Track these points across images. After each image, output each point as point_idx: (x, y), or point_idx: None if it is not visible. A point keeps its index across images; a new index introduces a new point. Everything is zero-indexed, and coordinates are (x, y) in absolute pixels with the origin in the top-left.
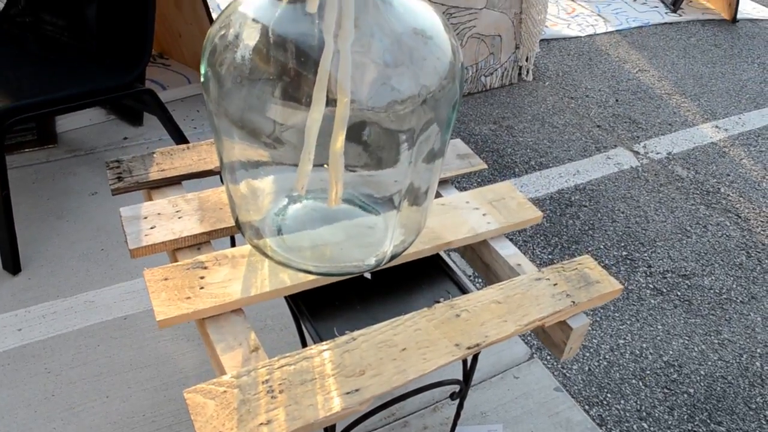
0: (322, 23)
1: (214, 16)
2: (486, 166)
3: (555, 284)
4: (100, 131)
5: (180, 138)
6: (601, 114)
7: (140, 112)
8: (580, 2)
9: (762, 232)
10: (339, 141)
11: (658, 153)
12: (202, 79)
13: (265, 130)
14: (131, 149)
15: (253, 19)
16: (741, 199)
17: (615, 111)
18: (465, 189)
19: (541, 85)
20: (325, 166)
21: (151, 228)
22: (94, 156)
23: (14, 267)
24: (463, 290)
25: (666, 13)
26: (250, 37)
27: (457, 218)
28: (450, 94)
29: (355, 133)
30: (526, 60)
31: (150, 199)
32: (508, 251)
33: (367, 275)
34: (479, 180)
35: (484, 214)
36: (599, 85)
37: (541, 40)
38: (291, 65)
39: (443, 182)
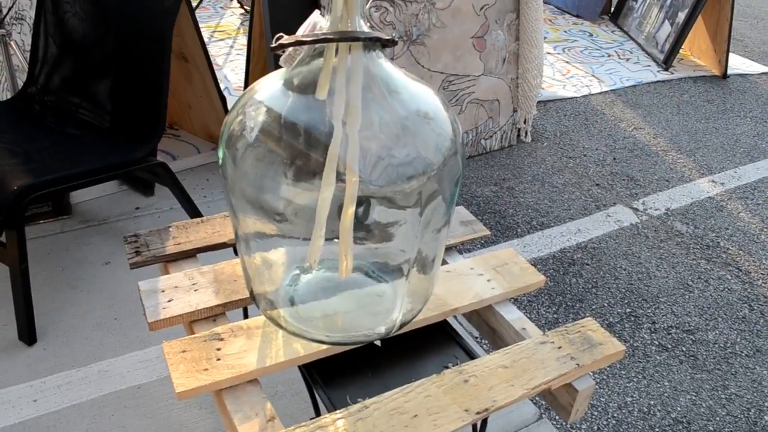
0: (331, 110)
1: (222, 86)
2: (488, 232)
3: (559, 347)
4: (112, 201)
5: (191, 208)
6: (600, 172)
7: (152, 182)
8: (575, 64)
9: (763, 285)
10: (348, 217)
11: (656, 209)
12: (219, 162)
13: (279, 208)
14: (143, 219)
15: (267, 107)
16: (741, 252)
17: (613, 169)
18: (470, 251)
19: (539, 146)
20: (336, 240)
21: (169, 301)
22: (107, 226)
23: (30, 338)
24: (471, 355)
25: (658, 71)
26: (264, 124)
27: (463, 284)
28: (453, 170)
29: (363, 209)
30: (524, 122)
31: (166, 271)
32: (513, 315)
33: (378, 342)
34: (483, 241)
35: (488, 280)
36: (596, 144)
37: (538, 101)
38: (302, 149)
39: (448, 249)
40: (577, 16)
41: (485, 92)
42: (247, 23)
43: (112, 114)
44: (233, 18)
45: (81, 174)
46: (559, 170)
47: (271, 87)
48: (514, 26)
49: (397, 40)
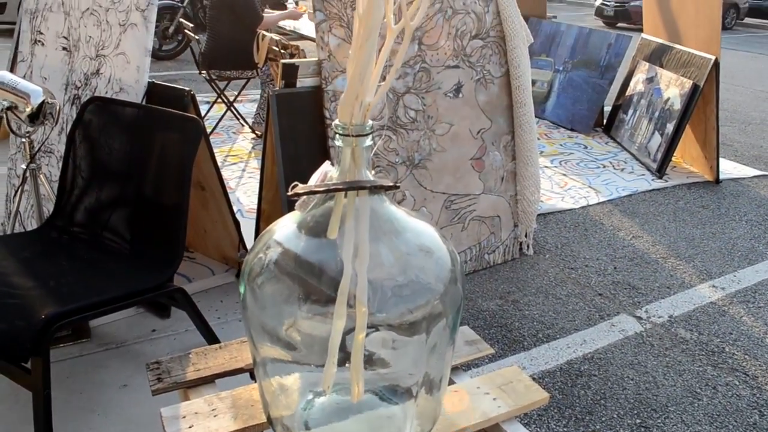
0: (342, 249)
1: (234, 208)
2: (493, 351)
3: None
4: (130, 324)
5: (207, 331)
6: (602, 282)
7: (168, 304)
8: (572, 176)
9: None
10: (359, 345)
11: (660, 317)
12: (240, 295)
13: (294, 338)
14: (160, 341)
15: (284, 248)
16: (746, 357)
17: (614, 278)
18: (478, 365)
19: (542, 258)
20: (347, 365)
21: (190, 427)
22: (125, 349)
23: None
24: None
25: (653, 179)
26: (281, 262)
27: (470, 404)
28: (454, 297)
29: (372, 337)
30: (526, 236)
31: (186, 397)
32: None
33: None
34: (490, 355)
35: (494, 399)
36: (597, 254)
37: (539, 214)
38: (316, 285)
39: (454, 368)
40: (572, 130)
41: (486, 209)
42: (258, 147)
43: (134, 242)
44: (245, 142)
45: (105, 302)
46: (562, 281)
47: (286, 228)
48: (510, 147)
49: (399, 185)
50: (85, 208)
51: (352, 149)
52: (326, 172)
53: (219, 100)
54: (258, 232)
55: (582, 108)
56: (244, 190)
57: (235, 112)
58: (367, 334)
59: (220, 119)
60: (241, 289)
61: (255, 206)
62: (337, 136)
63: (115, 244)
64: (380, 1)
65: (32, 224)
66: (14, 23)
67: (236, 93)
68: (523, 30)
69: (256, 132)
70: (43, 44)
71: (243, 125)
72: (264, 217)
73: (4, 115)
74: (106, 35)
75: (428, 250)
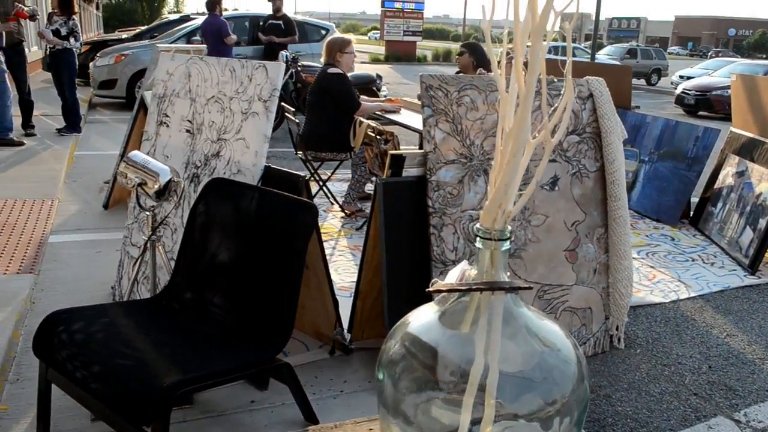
0: (475, 342)
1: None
2: None
3: None
4: (230, 393)
5: (306, 407)
6: (696, 381)
7: (267, 377)
8: (660, 268)
9: None
10: None
11: (760, 422)
12: (378, 380)
13: (427, 425)
14: (259, 413)
15: (421, 338)
16: None
17: (709, 378)
18: None
19: (632, 353)
20: None
21: None
22: (225, 418)
23: None
24: None
25: (745, 275)
26: (417, 353)
27: None
28: (580, 396)
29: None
30: (617, 329)
31: None
32: None
33: None
34: None
35: None
36: (690, 351)
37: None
38: (449, 376)
39: None
40: (657, 221)
41: (578, 301)
42: (347, 225)
43: (243, 317)
44: (335, 221)
45: (221, 372)
46: (655, 378)
47: (423, 320)
48: (603, 240)
49: (532, 286)
50: (199, 280)
51: (491, 252)
52: (464, 270)
53: (312, 178)
54: (354, 311)
55: (668, 199)
56: (334, 267)
57: (327, 191)
58: (495, 426)
59: (313, 197)
60: (380, 376)
61: (344, 284)
62: (478, 239)
63: (225, 318)
64: (528, 119)
65: (141, 290)
66: (123, 98)
67: (329, 173)
68: (618, 126)
69: (346, 211)
70: (168, 126)
71: (333, 203)
72: (361, 297)
73: (135, 190)
74: (228, 121)
75: (557, 348)
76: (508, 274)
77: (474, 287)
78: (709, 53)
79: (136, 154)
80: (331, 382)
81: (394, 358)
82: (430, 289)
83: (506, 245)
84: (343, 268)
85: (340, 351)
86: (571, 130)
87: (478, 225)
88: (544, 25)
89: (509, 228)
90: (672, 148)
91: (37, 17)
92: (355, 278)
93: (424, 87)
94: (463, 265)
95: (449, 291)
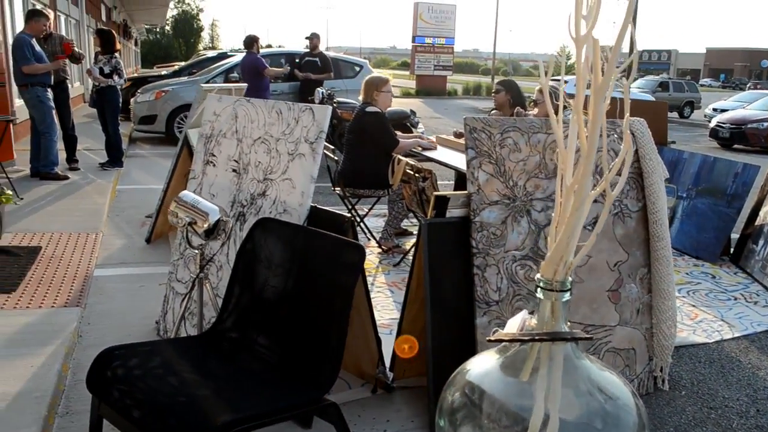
0: (535, 391)
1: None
2: None
3: None
4: (274, 430)
5: None
6: (744, 425)
7: (311, 415)
8: (702, 307)
9: None
10: None
11: None
12: (438, 427)
13: None
14: None
15: (480, 387)
16: None
17: (758, 422)
18: None
19: (677, 395)
20: None
21: None
22: None
23: None
24: None
25: None
26: (476, 399)
27: None
28: None
29: None
30: (661, 371)
31: None
32: None
33: None
34: None
35: None
36: (736, 393)
37: None
38: (509, 423)
39: None
40: (697, 258)
41: (621, 341)
42: (385, 262)
43: (294, 356)
44: (372, 257)
45: (272, 412)
46: (702, 422)
47: (483, 367)
48: (647, 280)
49: (593, 336)
50: (247, 319)
51: (552, 302)
52: (524, 320)
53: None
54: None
55: (708, 236)
56: (373, 304)
57: (364, 227)
58: None
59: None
60: (441, 423)
61: (383, 321)
62: (539, 289)
63: (272, 357)
64: (590, 176)
65: (186, 326)
66: (163, 133)
67: (365, 208)
68: (660, 166)
69: (383, 247)
70: (214, 165)
71: (370, 239)
72: (403, 336)
73: (185, 230)
74: (274, 162)
75: (616, 397)
76: (569, 324)
77: (537, 338)
78: (747, 85)
79: (186, 194)
80: (374, 421)
81: (456, 406)
82: (492, 338)
83: (567, 296)
84: (382, 305)
85: (382, 389)
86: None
87: (539, 276)
88: (606, 86)
89: (570, 279)
90: (710, 185)
91: (83, 59)
92: (392, 315)
93: (468, 129)
94: (523, 314)
95: (511, 341)
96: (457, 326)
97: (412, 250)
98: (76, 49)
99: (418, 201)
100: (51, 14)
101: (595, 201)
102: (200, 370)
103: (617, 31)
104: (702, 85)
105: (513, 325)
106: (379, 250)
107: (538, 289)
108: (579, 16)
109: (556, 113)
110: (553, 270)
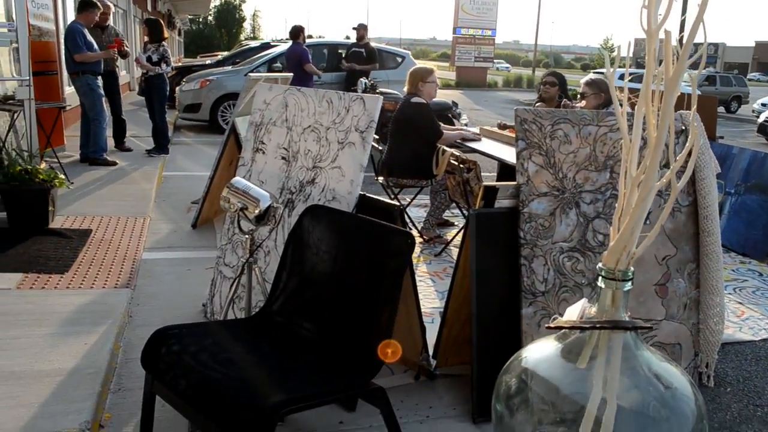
0: (593, 378)
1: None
2: None
3: None
4: (318, 413)
5: (395, 430)
6: None
7: (356, 399)
8: (748, 305)
9: None
10: None
11: None
12: (494, 413)
13: None
14: None
15: (537, 372)
16: None
17: None
18: None
19: (722, 392)
20: None
21: None
22: None
23: None
24: None
25: None
26: (533, 385)
27: None
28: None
29: None
30: (707, 367)
31: None
32: None
33: None
34: None
35: None
36: None
37: None
38: (565, 408)
39: None
40: (744, 255)
41: (667, 336)
42: (426, 251)
43: (343, 341)
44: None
45: (322, 393)
46: (748, 419)
47: (541, 353)
48: (695, 275)
49: (652, 326)
50: (295, 303)
51: (613, 291)
52: (584, 308)
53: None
54: (440, 338)
55: (757, 233)
56: None
57: (407, 216)
58: None
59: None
60: (498, 407)
61: (425, 309)
62: (600, 278)
63: (322, 341)
64: (657, 167)
65: (234, 309)
66: (207, 121)
67: (408, 198)
68: (712, 161)
69: (424, 237)
70: (264, 153)
71: (411, 229)
72: (447, 325)
73: (236, 215)
74: (324, 150)
75: (674, 387)
76: (629, 314)
77: (598, 326)
78: None
79: (238, 181)
80: (416, 407)
81: (512, 391)
82: (551, 324)
83: (628, 285)
84: (424, 294)
85: (424, 377)
86: (664, 164)
87: (600, 264)
88: (678, 79)
89: (632, 269)
90: (761, 181)
91: (128, 57)
92: (435, 304)
93: (518, 121)
94: (583, 302)
95: (571, 328)
96: (502, 316)
97: (454, 240)
98: (125, 47)
99: (462, 192)
100: (111, 7)
101: None
102: (250, 351)
103: (689, 24)
104: (750, 80)
105: (572, 313)
106: (421, 240)
107: (600, 278)
108: (653, 9)
109: (609, 105)
110: (616, 259)
